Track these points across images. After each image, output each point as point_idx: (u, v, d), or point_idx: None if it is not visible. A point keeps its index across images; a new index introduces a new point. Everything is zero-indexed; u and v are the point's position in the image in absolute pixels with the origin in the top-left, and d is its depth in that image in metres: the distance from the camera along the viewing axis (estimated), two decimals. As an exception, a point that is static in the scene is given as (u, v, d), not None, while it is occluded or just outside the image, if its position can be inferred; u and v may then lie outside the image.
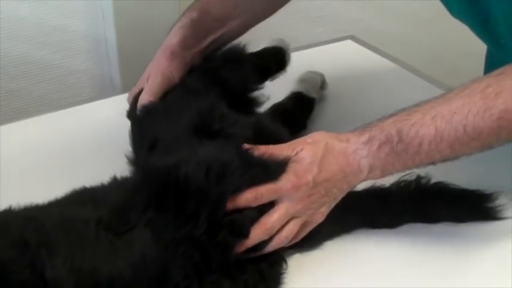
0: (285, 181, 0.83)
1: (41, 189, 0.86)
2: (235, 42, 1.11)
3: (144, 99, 1.02)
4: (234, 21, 1.09)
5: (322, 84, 1.27)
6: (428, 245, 0.92)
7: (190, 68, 1.06)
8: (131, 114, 1.05)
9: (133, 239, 0.76)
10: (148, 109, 1.01)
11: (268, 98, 1.10)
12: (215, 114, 0.95)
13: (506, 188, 0.96)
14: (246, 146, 0.87)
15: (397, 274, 0.88)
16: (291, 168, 0.84)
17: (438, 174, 0.93)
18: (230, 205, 0.81)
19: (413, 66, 1.41)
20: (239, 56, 1.10)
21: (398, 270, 0.89)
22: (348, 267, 0.89)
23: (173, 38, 1.05)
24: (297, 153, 0.85)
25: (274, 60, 1.16)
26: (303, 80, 1.24)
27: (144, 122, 1.00)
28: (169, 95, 1.03)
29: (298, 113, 1.18)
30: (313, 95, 1.22)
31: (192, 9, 1.08)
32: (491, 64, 1.27)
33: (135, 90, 1.06)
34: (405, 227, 0.94)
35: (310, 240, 0.89)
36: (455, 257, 0.90)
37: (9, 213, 0.80)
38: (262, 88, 1.09)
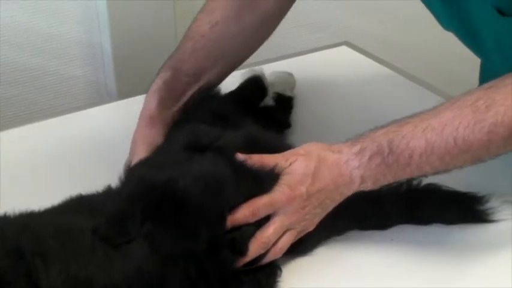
0: (280, 194, 0.84)
1: (37, 196, 0.85)
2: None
3: None
4: (210, 72, 1.08)
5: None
6: (424, 246, 0.92)
7: (172, 124, 1.05)
8: None
9: (130, 251, 0.76)
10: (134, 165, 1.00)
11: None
12: (199, 132, 0.95)
13: (497, 190, 0.96)
14: (240, 156, 0.87)
15: (392, 276, 0.88)
16: (285, 180, 0.85)
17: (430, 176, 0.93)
18: (229, 223, 0.81)
19: (409, 71, 1.42)
20: (210, 96, 1.10)
21: (394, 271, 0.89)
22: (340, 270, 0.89)
23: (150, 103, 1.04)
24: (290, 164, 0.86)
25: (251, 96, 1.17)
26: (275, 80, 1.24)
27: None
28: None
29: (281, 113, 1.18)
30: (289, 93, 1.23)
31: (165, 69, 1.07)
32: (486, 70, 1.27)
33: (126, 165, 1.05)
34: (400, 228, 0.95)
35: (303, 246, 0.89)
36: (451, 257, 0.91)
37: (4, 220, 0.80)
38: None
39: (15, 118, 1.51)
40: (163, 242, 0.77)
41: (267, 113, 1.16)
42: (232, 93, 1.15)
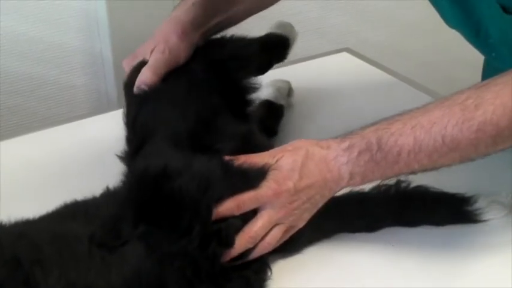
0: (266, 188, 0.84)
1: (37, 206, 0.85)
2: (243, 34, 1.11)
3: (146, 76, 0.99)
4: (240, 5, 1.08)
5: (289, 92, 1.28)
6: (422, 249, 0.93)
7: (195, 49, 1.04)
8: (129, 85, 1.02)
9: (126, 254, 0.76)
10: (149, 91, 0.99)
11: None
12: (211, 128, 0.95)
13: (485, 191, 0.96)
14: (227, 157, 0.87)
15: (388, 277, 0.89)
16: (272, 175, 0.84)
17: (418, 177, 0.93)
18: (214, 215, 0.81)
19: (410, 77, 1.41)
20: (246, 50, 1.09)
21: (390, 273, 0.89)
22: (329, 271, 0.90)
23: (186, 15, 1.03)
24: (277, 161, 0.86)
25: (276, 53, 1.17)
26: (270, 88, 1.24)
27: (141, 104, 0.98)
28: (173, 80, 1.00)
29: (269, 121, 1.18)
30: (282, 102, 1.23)
31: None
32: (489, 72, 1.27)
33: (136, 57, 1.03)
34: (398, 230, 0.95)
35: (292, 245, 0.90)
36: (451, 260, 0.91)
37: (1, 229, 0.79)
38: (258, 88, 1.10)
39: (16, 127, 1.51)
40: (159, 241, 0.77)
41: (257, 119, 1.16)
42: (255, 43, 1.13)
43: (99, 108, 1.59)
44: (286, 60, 1.44)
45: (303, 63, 1.48)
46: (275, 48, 1.18)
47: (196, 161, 0.86)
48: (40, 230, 0.79)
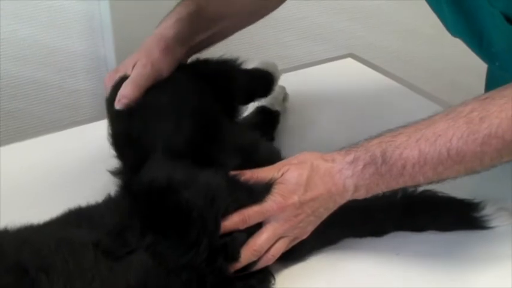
0: (271, 202, 0.84)
1: (40, 211, 0.85)
2: (232, 57, 1.10)
3: (127, 90, 0.97)
4: (226, 21, 1.08)
5: (284, 97, 1.27)
6: (427, 258, 0.92)
7: (178, 66, 1.03)
8: (110, 101, 0.98)
9: (133, 263, 0.76)
10: (134, 105, 0.96)
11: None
12: (212, 136, 0.94)
13: (493, 197, 0.96)
14: (232, 172, 0.87)
15: (390, 284, 0.88)
16: (277, 189, 0.85)
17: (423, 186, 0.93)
18: (221, 229, 0.82)
19: (414, 83, 1.41)
20: (233, 73, 1.09)
21: (392, 280, 0.89)
22: (332, 279, 0.89)
23: (170, 30, 1.01)
24: (282, 174, 0.86)
25: (261, 86, 1.17)
26: None
27: (128, 120, 0.96)
28: (158, 91, 0.98)
29: (265, 127, 1.18)
30: (277, 107, 1.23)
31: (190, 0, 1.04)
32: (492, 79, 1.27)
33: (118, 72, 1.01)
34: (403, 239, 0.95)
35: (296, 254, 0.90)
36: (450, 267, 0.91)
37: (4, 235, 0.79)
38: (244, 110, 1.10)
39: (18, 132, 1.51)
40: (167, 253, 0.77)
41: (253, 126, 1.16)
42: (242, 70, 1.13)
43: (102, 112, 1.58)
44: (289, 66, 1.44)
45: (307, 69, 1.48)
46: (259, 80, 1.18)
47: (201, 174, 0.86)
48: (44, 237, 0.78)
